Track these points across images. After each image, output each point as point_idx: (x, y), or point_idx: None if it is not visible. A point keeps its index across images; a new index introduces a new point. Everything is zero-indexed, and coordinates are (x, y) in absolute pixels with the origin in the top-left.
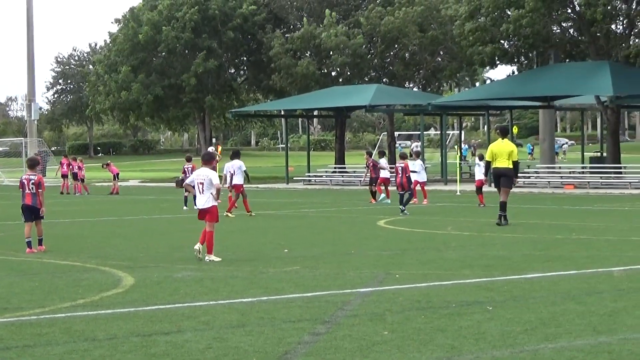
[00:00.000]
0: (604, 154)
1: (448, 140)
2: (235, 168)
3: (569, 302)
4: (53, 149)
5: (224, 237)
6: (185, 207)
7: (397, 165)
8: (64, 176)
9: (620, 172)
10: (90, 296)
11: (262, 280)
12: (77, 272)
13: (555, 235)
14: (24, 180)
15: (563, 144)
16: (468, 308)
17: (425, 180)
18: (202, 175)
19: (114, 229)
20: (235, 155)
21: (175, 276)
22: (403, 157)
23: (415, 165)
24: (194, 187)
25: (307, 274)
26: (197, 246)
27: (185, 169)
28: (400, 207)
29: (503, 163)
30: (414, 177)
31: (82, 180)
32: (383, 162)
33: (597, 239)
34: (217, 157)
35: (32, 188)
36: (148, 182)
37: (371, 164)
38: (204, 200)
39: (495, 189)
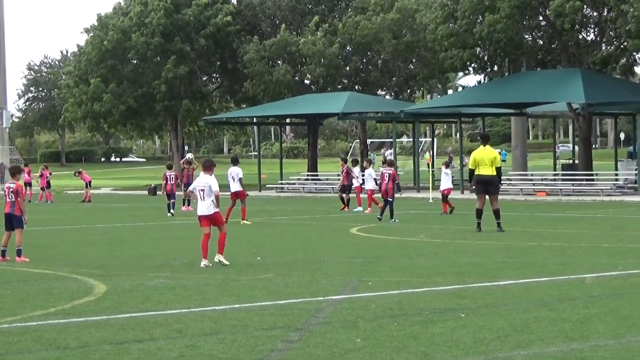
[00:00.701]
0: (576, 161)
1: (420, 148)
2: (234, 175)
3: (541, 309)
4: (24, 157)
5: (196, 244)
6: (169, 214)
7: (383, 171)
8: (42, 188)
9: (592, 179)
10: (62, 304)
11: (234, 288)
12: (49, 280)
13: (528, 243)
14: (4, 189)
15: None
16: (441, 315)
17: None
18: (202, 182)
19: (86, 237)
20: (234, 161)
21: (147, 284)
22: (390, 164)
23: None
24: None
25: (280, 282)
26: (204, 262)
27: (167, 176)
28: (379, 217)
29: (487, 170)
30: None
31: (44, 189)
32: (356, 170)
33: (569, 246)
34: (194, 165)
35: (11, 196)
36: (120, 189)
37: (345, 170)
38: (206, 207)
39: (476, 196)
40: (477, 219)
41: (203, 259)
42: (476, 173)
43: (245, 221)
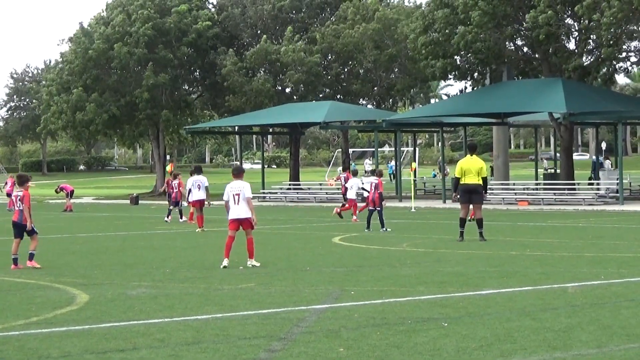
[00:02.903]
0: (558, 171)
1: (403, 157)
2: (199, 183)
3: (524, 318)
4: (6, 166)
5: (178, 254)
6: (167, 219)
7: (370, 181)
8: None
9: (574, 189)
10: (44, 314)
11: (217, 297)
12: (31, 290)
13: (510, 252)
14: (13, 198)
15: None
16: (423, 324)
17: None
18: (237, 187)
19: (68, 246)
20: (198, 170)
21: (129, 293)
22: (379, 174)
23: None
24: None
25: (262, 291)
26: (225, 262)
27: (173, 185)
28: (367, 229)
29: (473, 179)
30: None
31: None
32: (357, 180)
33: (551, 255)
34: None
35: (19, 204)
36: (102, 199)
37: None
38: (241, 211)
39: (460, 205)
40: (460, 228)
41: (225, 259)
42: (461, 182)
43: (201, 229)
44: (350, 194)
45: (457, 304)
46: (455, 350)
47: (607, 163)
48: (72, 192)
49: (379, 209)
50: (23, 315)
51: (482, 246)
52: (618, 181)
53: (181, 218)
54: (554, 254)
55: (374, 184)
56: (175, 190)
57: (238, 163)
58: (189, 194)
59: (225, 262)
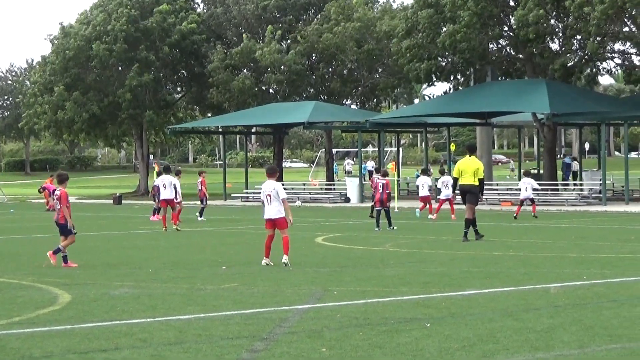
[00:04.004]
0: (541, 171)
1: (386, 157)
2: (166, 182)
3: (506, 318)
4: None
5: (161, 254)
6: (200, 219)
7: (377, 181)
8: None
9: (557, 189)
10: (26, 313)
11: (199, 297)
12: (13, 290)
13: (493, 252)
14: (54, 196)
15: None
16: (406, 325)
17: None
18: (269, 187)
19: (51, 245)
20: (166, 170)
21: (112, 293)
22: (384, 174)
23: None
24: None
25: (245, 291)
26: (265, 261)
27: (197, 183)
28: (376, 228)
29: (469, 180)
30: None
31: None
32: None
33: (534, 255)
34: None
35: (57, 203)
36: (85, 198)
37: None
38: (273, 211)
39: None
40: (465, 229)
41: (265, 258)
42: (460, 182)
43: (176, 227)
44: (423, 192)
45: (439, 304)
46: (438, 350)
47: (575, 164)
48: (54, 191)
49: (386, 208)
50: (5, 315)
51: (466, 247)
52: (601, 182)
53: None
54: (537, 255)
55: (381, 184)
56: (199, 189)
57: (271, 163)
58: (158, 193)
59: (266, 261)
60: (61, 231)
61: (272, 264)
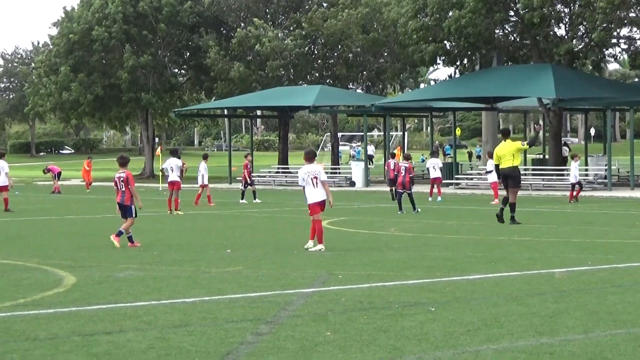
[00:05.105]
0: (546, 156)
1: (391, 142)
2: (173, 165)
3: (511, 303)
4: None
5: (167, 237)
6: (256, 200)
7: (400, 164)
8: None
9: (562, 174)
10: (31, 295)
11: (204, 281)
12: (19, 272)
13: (498, 237)
14: (115, 179)
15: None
16: (410, 309)
17: None
18: (313, 171)
19: (56, 228)
20: (173, 153)
21: (117, 276)
22: (407, 157)
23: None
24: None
25: (250, 274)
26: (310, 244)
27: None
28: (400, 211)
29: (508, 163)
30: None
31: None
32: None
33: (539, 240)
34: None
35: (121, 185)
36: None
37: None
38: (321, 193)
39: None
40: (502, 205)
41: (319, 245)
42: (500, 167)
43: (178, 212)
44: (435, 174)
45: (444, 288)
46: (443, 334)
47: (564, 149)
48: (59, 173)
49: (409, 191)
50: (10, 297)
51: (470, 231)
52: (607, 167)
53: (255, 199)
54: (542, 240)
55: (404, 167)
56: (245, 171)
57: (311, 147)
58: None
59: (319, 247)
60: (123, 213)
61: (324, 249)
